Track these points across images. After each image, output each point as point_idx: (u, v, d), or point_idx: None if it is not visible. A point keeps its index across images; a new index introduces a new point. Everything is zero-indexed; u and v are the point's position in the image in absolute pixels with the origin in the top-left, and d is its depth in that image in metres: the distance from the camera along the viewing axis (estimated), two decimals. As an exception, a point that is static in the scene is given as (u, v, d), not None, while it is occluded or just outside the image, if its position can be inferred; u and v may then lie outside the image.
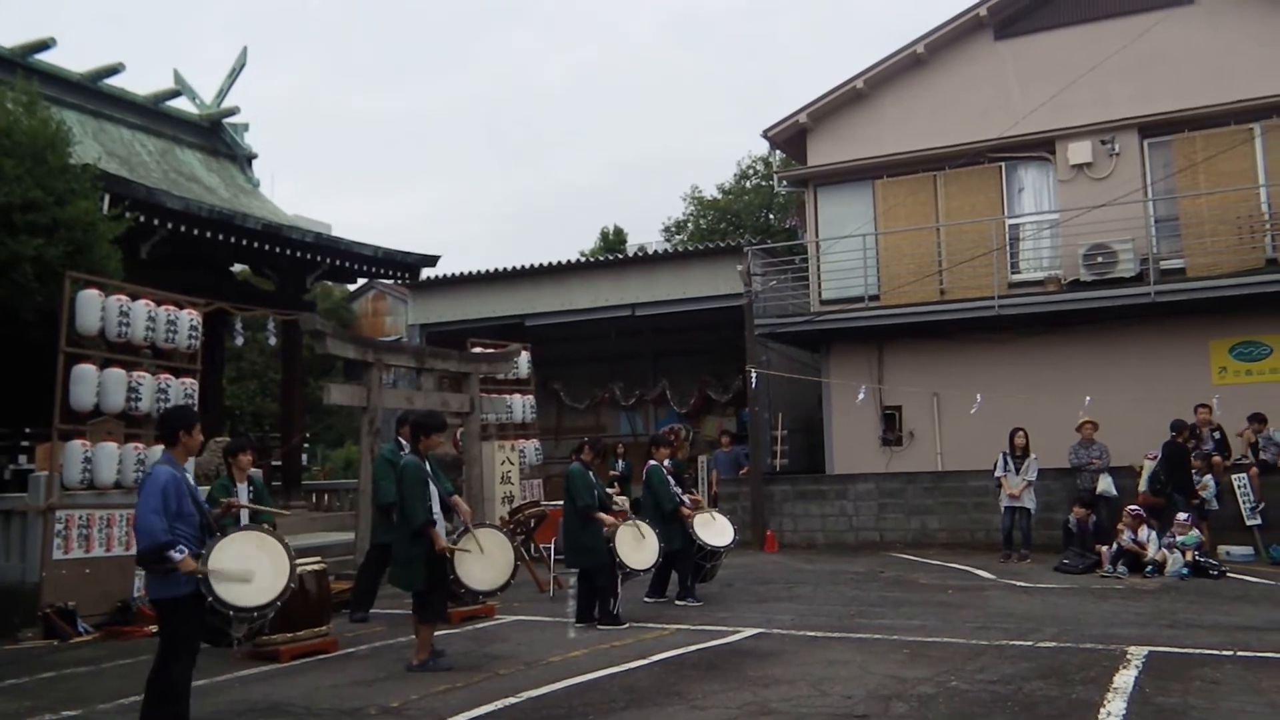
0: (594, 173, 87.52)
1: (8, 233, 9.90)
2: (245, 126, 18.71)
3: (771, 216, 30.85)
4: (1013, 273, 15.84)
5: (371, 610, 9.80)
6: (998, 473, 13.23)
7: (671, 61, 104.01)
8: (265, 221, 15.22)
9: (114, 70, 16.21)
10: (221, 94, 18.18)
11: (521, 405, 16.08)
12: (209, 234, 13.92)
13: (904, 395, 16.29)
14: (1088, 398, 13.87)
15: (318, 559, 8.63)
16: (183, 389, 11.00)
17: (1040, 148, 15.93)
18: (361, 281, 26.33)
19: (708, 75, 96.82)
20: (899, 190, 16.71)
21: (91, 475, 10.00)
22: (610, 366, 21.73)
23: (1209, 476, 12.65)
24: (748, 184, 32.79)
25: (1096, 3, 15.89)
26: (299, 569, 6.70)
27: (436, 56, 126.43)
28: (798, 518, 16.15)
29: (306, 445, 25.14)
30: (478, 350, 14.96)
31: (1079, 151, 15.49)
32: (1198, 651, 7.07)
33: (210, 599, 5.55)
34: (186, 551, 5.19)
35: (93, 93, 15.99)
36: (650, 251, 23.49)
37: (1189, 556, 11.19)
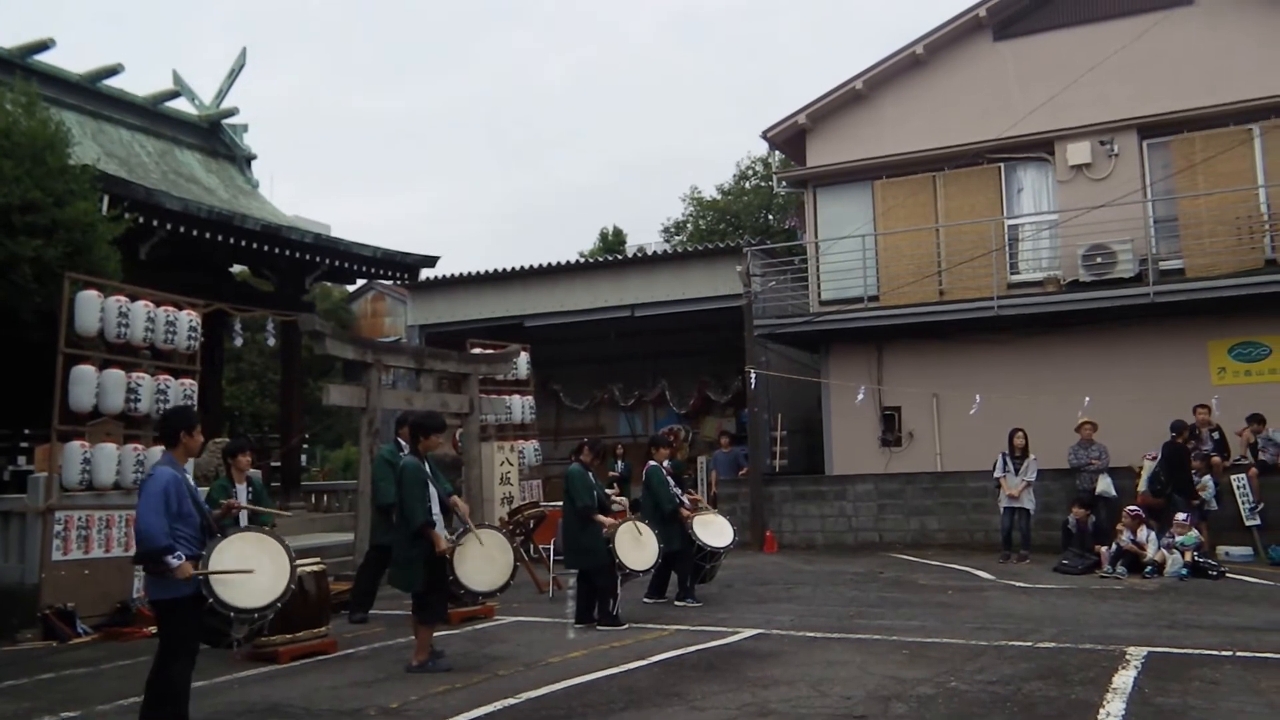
0: (593, 173, 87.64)
1: (7, 234, 9.89)
2: (244, 127, 18.72)
3: (771, 217, 30.86)
4: (1012, 273, 15.85)
5: (371, 611, 9.80)
6: (997, 473, 13.24)
7: (671, 62, 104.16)
8: (264, 222, 15.22)
9: (113, 71, 16.21)
10: (221, 95, 18.18)
11: (521, 406, 16.09)
12: (208, 235, 13.92)
13: (903, 396, 16.30)
14: (1087, 398, 13.88)
15: (317, 560, 8.64)
16: (182, 390, 11.00)
17: (1039, 148, 15.94)
18: (361, 282, 26.32)
19: (707, 75, 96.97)
20: (898, 191, 16.72)
21: (90, 476, 10.00)
22: (609, 367, 21.74)
23: (1208, 477, 12.66)
24: (747, 184, 32.82)
25: (1095, 3, 15.90)
26: (298, 570, 6.70)
27: (436, 56, 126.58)
28: (797, 518, 16.15)
29: (305, 446, 25.12)
30: (477, 351, 14.96)
31: (1078, 152, 15.50)
32: (1197, 652, 7.08)
33: (211, 600, 5.55)
34: (184, 558, 5.19)
35: (92, 93, 15.99)
36: (649, 252, 23.52)
37: (1188, 557, 11.19)
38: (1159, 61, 15.16)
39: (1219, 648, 7.18)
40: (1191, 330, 14.57)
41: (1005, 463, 13.12)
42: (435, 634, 7.55)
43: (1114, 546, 11.71)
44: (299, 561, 6.78)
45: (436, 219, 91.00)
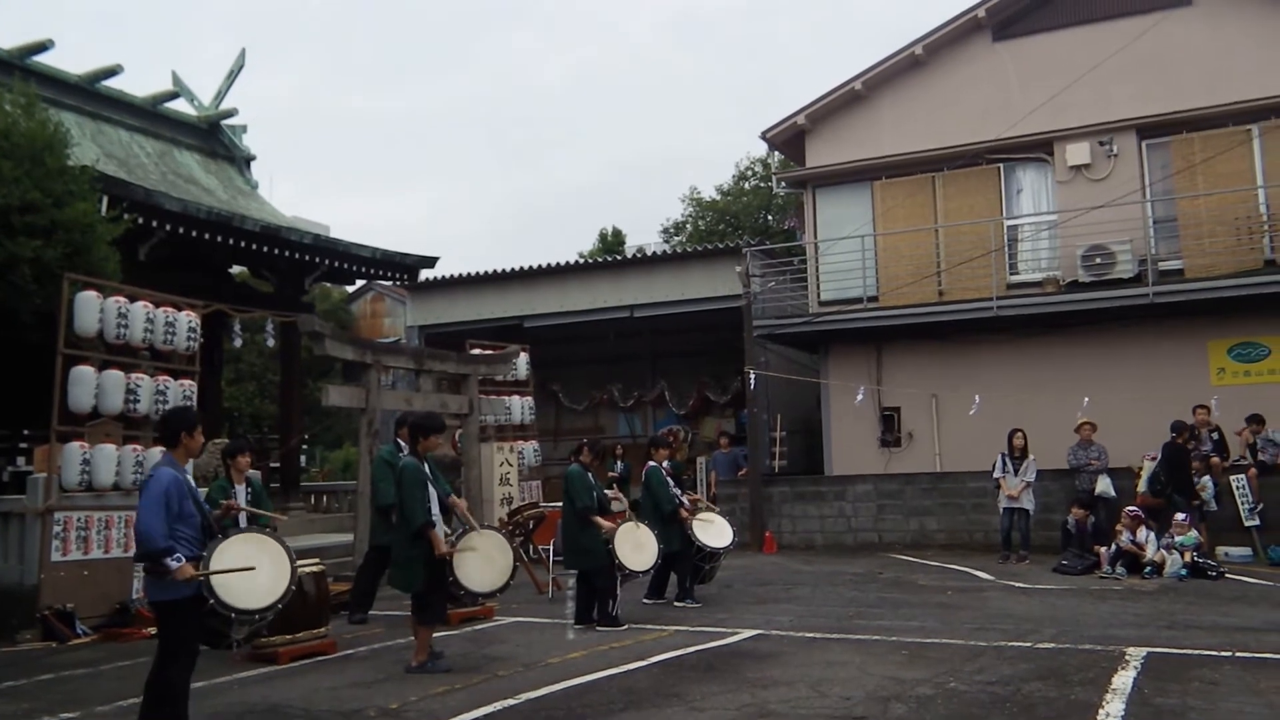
0: (593, 173, 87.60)
1: (6, 234, 9.89)
2: (244, 128, 18.73)
3: (770, 218, 30.86)
4: (1011, 274, 15.85)
5: (370, 612, 9.79)
6: (996, 474, 13.24)
7: (671, 62, 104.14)
8: (264, 223, 15.22)
9: (112, 72, 16.20)
10: (220, 95, 18.18)
11: (520, 406, 16.09)
12: (207, 236, 13.92)
13: (902, 396, 16.30)
14: (1086, 399, 13.89)
15: (316, 560, 8.64)
16: (181, 391, 11.00)
17: (1039, 149, 15.95)
18: (360, 283, 26.32)
19: (708, 75, 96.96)
20: (897, 191, 16.73)
21: (90, 477, 10.00)
22: (609, 368, 21.74)
23: (1207, 477, 12.66)
24: (746, 185, 32.83)
25: (1095, 4, 15.91)
26: (298, 571, 6.70)
27: (436, 57, 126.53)
28: (796, 519, 16.16)
29: (305, 447, 25.16)
30: (476, 352, 14.97)
31: (1077, 153, 15.51)
32: (1196, 652, 7.08)
33: (212, 602, 5.55)
34: (184, 559, 5.19)
35: (91, 94, 15.99)
36: (649, 253, 23.51)
37: (1187, 557, 11.19)
38: (1158, 62, 15.17)
39: (1218, 648, 7.18)
40: (1191, 331, 14.58)
41: (1004, 463, 13.12)
42: (435, 635, 7.55)
43: (1113, 547, 11.71)
44: (298, 562, 6.78)
45: (436, 219, 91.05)
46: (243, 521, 8.09)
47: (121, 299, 10.52)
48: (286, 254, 15.48)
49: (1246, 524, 12.57)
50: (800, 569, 13.15)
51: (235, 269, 17.58)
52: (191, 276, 14.15)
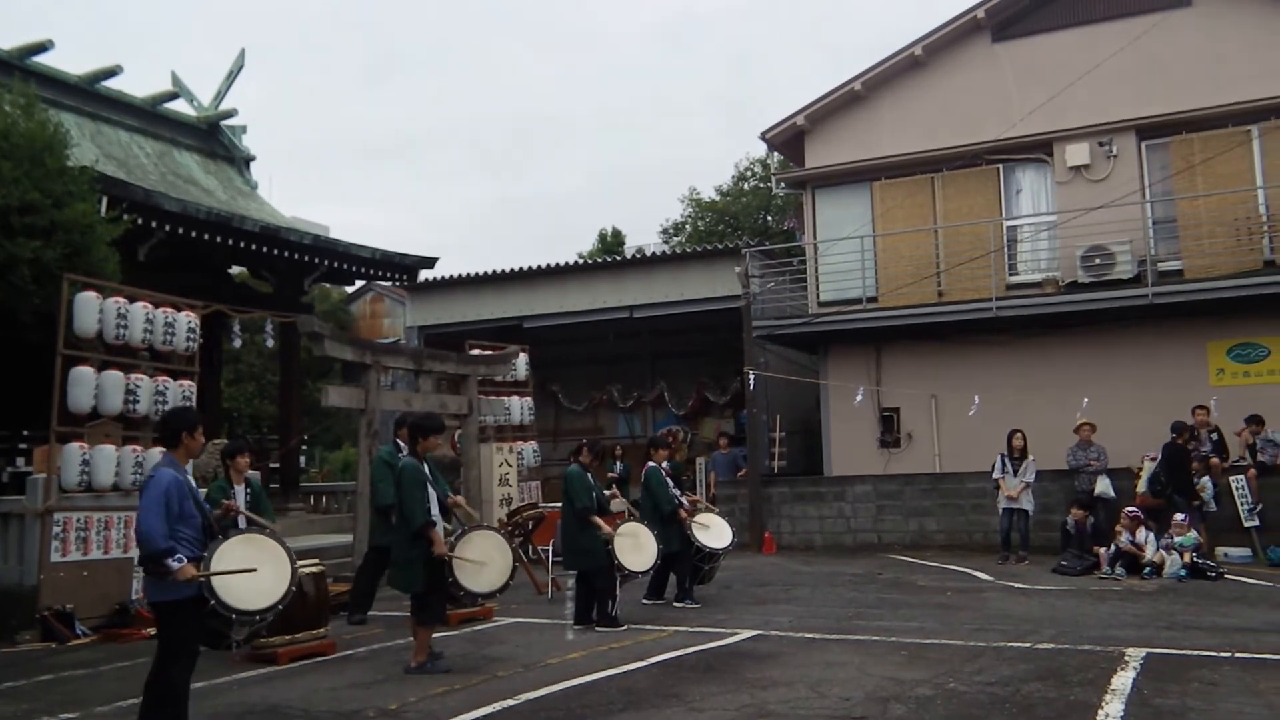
0: (592, 174, 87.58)
1: (5, 235, 9.89)
2: (243, 129, 18.73)
3: (769, 218, 30.87)
4: (1010, 274, 15.86)
5: (369, 612, 9.80)
6: (996, 474, 13.24)
7: (670, 62, 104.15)
8: (263, 223, 15.22)
9: (112, 72, 16.20)
10: (219, 96, 18.18)
11: (519, 407, 16.09)
12: (207, 236, 13.91)
13: (902, 397, 16.30)
14: (1085, 399, 13.89)
15: (316, 561, 8.63)
16: (180, 391, 11.00)
17: (1038, 150, 15.95)
18: (359, 283, 26.31)
19: (707, 77, 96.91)
20: (897, 192, 16.73)
21: (89, 478, 10.00)
22: (608, 368, 21.75)
23: (1207, 478, 12.65)
24: (746, 186, 32.84)
25: (1094, 5, 15.92)
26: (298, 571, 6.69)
27: (435, 57, 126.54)
28: (796, 519, 16.16)
29: (304, 447, 25.15)
30: (476, 352, 14.96)
31: (1077, 153, 15.51)
32: (1195, 653, 7.08)
33: (213, 602, 5.55)
34: (185, 560, 5.19)
35: (90, 95, 15.99)
36: (648, 253, 23.50)
37: (1187, 558, 11.20)
38: (1157, 63, 15.18)
39: (1217, 649, 7.18)
40: (1190, 331, 14.58)
41: (1004, 464, 13.12)
42: (434, 635, 7.55)
43: (1113, 547, 11.72)
44: (298, 563, 6.77)
45: (435, 220, 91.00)
46: (242, 523, 8.09)
47: (121, 299, 10.52)
48: (286, 254, 15.48)
49: (1246, 525, 12.57)
50: (799, 569, 13.15)
51: (235, 269, 17.58)
52: (191, 277, 14.15)
